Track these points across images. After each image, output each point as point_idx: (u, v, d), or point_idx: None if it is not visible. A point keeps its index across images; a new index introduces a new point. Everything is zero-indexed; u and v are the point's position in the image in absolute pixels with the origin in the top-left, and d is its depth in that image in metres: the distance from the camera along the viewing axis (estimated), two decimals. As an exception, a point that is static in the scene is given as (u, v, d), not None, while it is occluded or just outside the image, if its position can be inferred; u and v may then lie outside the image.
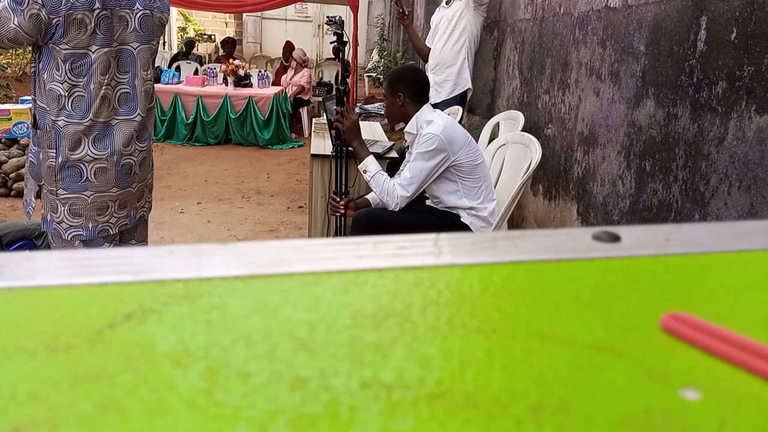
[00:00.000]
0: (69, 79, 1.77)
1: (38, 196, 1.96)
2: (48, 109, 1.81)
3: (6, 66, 9.87)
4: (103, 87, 1.82)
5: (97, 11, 1.73)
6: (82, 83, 1.79)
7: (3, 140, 4.74)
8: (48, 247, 2.49)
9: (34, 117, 1.85)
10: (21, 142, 4.79)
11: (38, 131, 1.86)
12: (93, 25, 1.74)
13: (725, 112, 1.90)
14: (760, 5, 1.78)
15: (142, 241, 2.22)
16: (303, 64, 8.40)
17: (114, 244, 2.00)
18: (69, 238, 1.91)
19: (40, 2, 1.66)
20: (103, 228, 1.95)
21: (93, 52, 1.77)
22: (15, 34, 1.68)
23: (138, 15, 1.85)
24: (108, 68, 1.82)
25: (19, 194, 4.74)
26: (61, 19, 1.68)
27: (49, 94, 1.79)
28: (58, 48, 1.73)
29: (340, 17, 2.87)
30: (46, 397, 0.37)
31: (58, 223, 1.91)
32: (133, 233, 2.12)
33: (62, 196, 1.87)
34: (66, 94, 1.78)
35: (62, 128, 1.81)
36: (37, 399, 0.36)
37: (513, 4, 3.98)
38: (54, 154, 1.83)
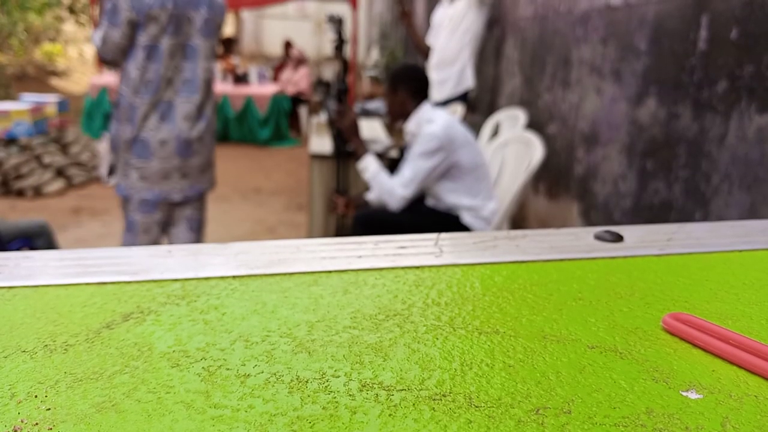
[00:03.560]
0: (144, 65, 2.16)
1: (110, 172, 2.34)
2: (128, 90, 2.19)
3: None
4: (169, 71, 2.19)
5: (170, 10, 2.12)
6: (153, 68, 2.16)
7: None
8: (47, 246, 2.50)
9: (118, 99, 2.25)
10: (21, 141, 4.79)
11: (118, 110, 2.24)
12: (165, 21, 2.13)
13: (726, 111, 1.90)
14: (761, 5, 1.78)
15: (200, 213, 2.51)
16: (301, 61, 8.42)
17: (172, 212, 2.37)
18: (138, 201, 2.26)
19: (129, 7, 2.08)
20: (165, 194, 2.28)
21: (163, 43, 2.15)
22: (120, 44, 2.13)
23: (203, 17, 2.22)
24: (173, 56, 2.19)
25: (19, 193, 4.75)
26: (143, 16, 2.09)
27: (129, 78, 2.17)
28: (138, 39, 2.13)
29: (339, 16, 2.87)
30: (44, 397, 0.36)
31: (130, 188, 2.25)
32: (194, 205, 2.44)
33: (134, 164, 2.23)
34: (140, 77, 2.16)
35: (137, 106, 2.19)
36: (36, 399, 0.36)
37: (514, 2, 3.98)
38: (130, 128, 2.20)
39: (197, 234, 2.50)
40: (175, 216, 2.40)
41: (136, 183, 2.24)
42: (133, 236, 2.35)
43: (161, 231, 2.39)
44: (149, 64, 2.16)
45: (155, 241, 2.38)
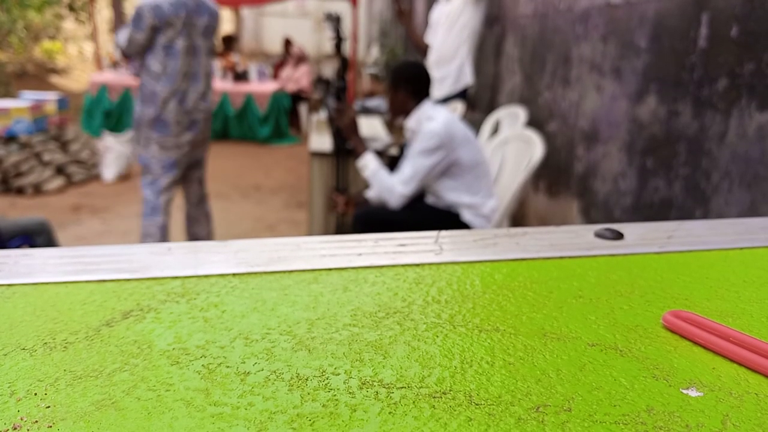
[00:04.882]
0: (164, 60, 2.72)
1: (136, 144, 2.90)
2: (150, 80, 2.74)
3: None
4: (185, 66, 2.76)
5: (182, 18, 2.68)
6: (172, 64, 2.73)
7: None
8: (47, 244, 2.50)
9: (140, 87, 2.79)
10: (21, 139, 4.77)
11: (142, 95, 2.77)
12: (180, 26, 2.69)
13: (726, 109, 1.90)
14: (761, 2, 1.78)
15: (202, 172, 3.16)
16: (301, 59, 8.42)
17: (181, 173, 2.95)
18: (156, 168, 2.83)
19: (152, 15, 2.62)
20: (177, 160, 2.86)
21: (178, 44, 2.72)
22: (143, 45, 2.68)
23: (204, 22, 2.79)
24: (186, 54, 2.75)
25: (19, 191, 4.74)
26: (163, 22, 2.64)
27: (151, 71, 2.73)
28: (158, 40, 2.68)
29: (337, 13, 2.87)
30: (44, 394, 0.36)
31: (151, 157, 2.82)
32: (197, 166, 3.09)
33: (156, 138, 2.80)
34: (162, 70, 2.73)
35: (158, 92, 2.74)
36: (36, 396, 0.36)
37: None
38: (153, 109, 2.76)
39: (204, 186, 3.19)
40: (189, 176, 3.05)
41: (156, 153, 2.82)
42: (157, 197, 2.88)
43: (176, 189, 2.98)
44: (168, 60, 2.72)
45: (172, 199, 2.95)
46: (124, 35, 2.71)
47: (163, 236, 2.97)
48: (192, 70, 2.80)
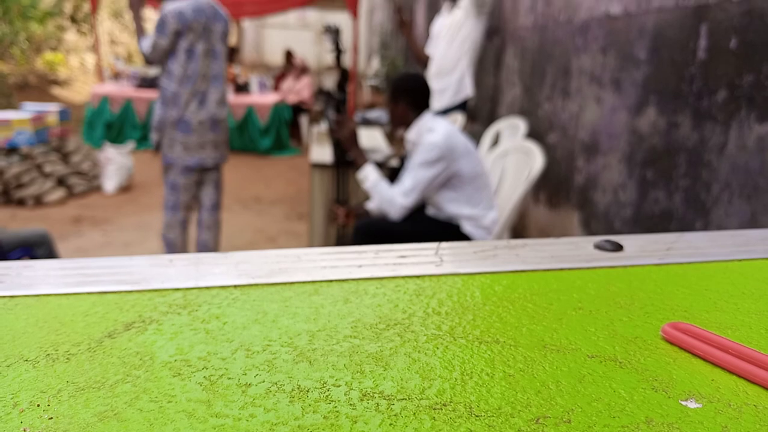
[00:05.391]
0: (185, 64, 2.86)
1: (156, 147, 3.01)
2: (171, 82, 2.87)
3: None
4: (204, 68, 2.91)
5: (203, 23, 2.84)
6: (192, 66, 2.87)
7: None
8: (48, 256, 2.50)
9: (161, 91, 2.92)
10: (22, 150, 4.78)
11: (164, 98, 2.90)
12: (200, 30, 2.85)
13: (725, 120, 1.90)
14: (759, 14, 1.79)
15: (220, 176, 3.19)
16: (303, 70, 8.46)
17: (204, 175, 3.08)
18: (181, 166, 2.95)
19: (176, 21, 2.76)
20: (201, 161, 2.99)
21: (198, 47, 2.87)
22: (167, 50, 2.82)
23: (220, 28, 2.96)
24: (205, 57, 2.91)
25: (20, 202, 4.75)
26: (185, 27, 2.79)
27: (172, 74, 2.87)
28: (179, 44, 2.83)
29: (336, 25, 2.89)
30: (47, 405, 0.37)
31: (176, 157, 2.94)
32: (216, 169, 3.14)
33: (179, 138, 2.92)
34: (183, 73, 2.86)
35: (180, 94, 2.88)
36: (38, 408, 0.36)
37: (514, 11, 4.00)
38: (176, 110, 2.90)
39: (220, 192, 3.20)
40: (206, 178, 3.10)
41: (180, 153, 2.94)
42: (176, 195, 2.99)
43: (196, 190, 3.08)
44: (189, 63, 2.87)
45: (193, 197, 3.06)
46: (147, 42, 2.85)
47: (183, 231, 3.07)
48: (211, 73, 2.94)
